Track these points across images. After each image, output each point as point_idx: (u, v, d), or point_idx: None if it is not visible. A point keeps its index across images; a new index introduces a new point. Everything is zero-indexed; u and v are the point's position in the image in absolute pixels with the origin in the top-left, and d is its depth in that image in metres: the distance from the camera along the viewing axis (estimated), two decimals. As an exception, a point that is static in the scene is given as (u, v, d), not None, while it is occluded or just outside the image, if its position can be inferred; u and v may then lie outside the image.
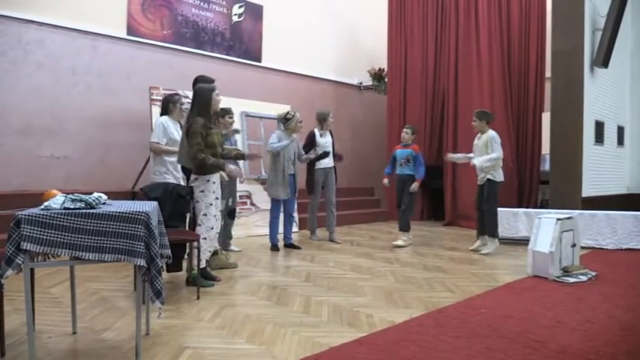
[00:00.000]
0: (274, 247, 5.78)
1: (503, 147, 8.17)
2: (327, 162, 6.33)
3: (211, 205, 3.91)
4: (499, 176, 5.51)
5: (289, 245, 5.93)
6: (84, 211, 2.24)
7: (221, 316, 3.15)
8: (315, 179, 6.31)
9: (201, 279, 3.85)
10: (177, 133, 4.86)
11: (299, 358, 2.46)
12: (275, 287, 3.96)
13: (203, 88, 3.99)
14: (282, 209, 5.91)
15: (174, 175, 4.85)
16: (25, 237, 2.13)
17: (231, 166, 3.95)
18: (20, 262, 2.15)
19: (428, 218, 9.20)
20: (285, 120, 5.77)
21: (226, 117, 5.28)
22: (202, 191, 3.89)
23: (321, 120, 6.37)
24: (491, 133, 5.53)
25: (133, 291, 3.71)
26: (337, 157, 6.53)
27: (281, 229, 6.02)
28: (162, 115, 5.02)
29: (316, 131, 6.38)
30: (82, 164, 6.42)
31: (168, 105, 4.94)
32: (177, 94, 5.12)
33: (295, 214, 7.43)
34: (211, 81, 4.47)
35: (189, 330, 2.89)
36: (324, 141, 6.33)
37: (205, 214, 3.89)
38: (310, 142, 6.29)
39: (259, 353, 2.54)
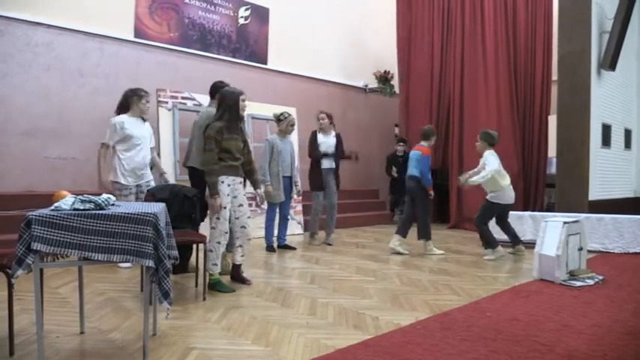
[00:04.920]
0: (270, 248, 5.82)
1: (508, 150, 8.18)
2: (327, 163, 6.34)
3: (225, 208, 3.82)
4: (501, 199, 5.43)
5: (283, 246, 5.98)
6: (93, 212, 2.26)
7: (227, 318, 3.17)
8: (320, 178, 6.30)
9: (222, 283, 3.85)
10: (138, 130, 4.69)
11: (305, 360, 2.47)
12: (281, 289, 3.97)
13: (230, 92, 3.94)
14: (277, 211, 5.92)
15: (131, 178, 4.64)
16: (35, 237, 2.15)
17: (214, 201, 3.75)
18: (30, 262, 2.17)
19: (433, 221, 9.15)
20: (277, 120, 5.79)
21: None
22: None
23: (317, 120, 6.57)
24: (486, 152, 5.54)
25: (139, 292, 3.74)
26: (348, 157, 6.64)
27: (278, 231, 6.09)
28: (121, 110, 4.73)
29: (318, 131, 6.48)
30: (89, 166, 6.44)
31: (131, 98, 4.70)
32: (144, 91, 4.82)
33: (300, 217, 7.47)
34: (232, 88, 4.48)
35: (195, 331, 2.90)
36: (324, 141, 6.36)
37: (218, 218, 3.80)
38: (312, 142, 6.39)
39: (265, 355, 2.55)
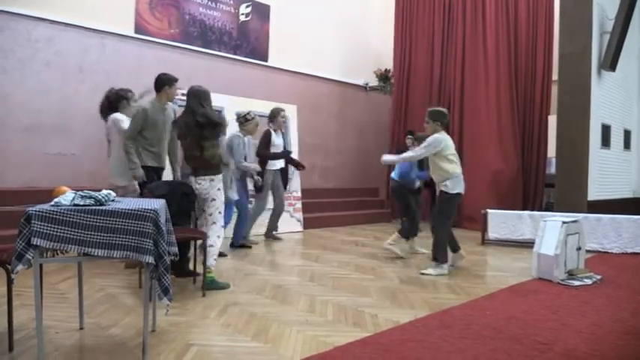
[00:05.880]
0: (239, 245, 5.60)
1: (508, 149, 8.18)
2: (278, 164, 6.13)
3: (223, 203, 3.96)
4: (455, 187, 4.53)
5: (239, 245, 5.71)
6: (93, 207, 2.26)
7: (226, 314, 3.17)
8: (265, 180, 5.94)
9: (217, 281, 3.82)
10: None
11: (304, 357, 2.47)
12: (280, 286, 3.97)
13: (204, 91, 3.93)
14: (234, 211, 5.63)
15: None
16: (35, 233, 2.15)
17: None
18: (30, 258, 2.17)
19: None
20: (244, 119, 5.49)
21: None
22: (219, 190, 3.89)
23: (271, 117, 6.12)
24: (434, 135, 4.57)
25: (138, 288, 3.73)
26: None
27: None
28: (110, 110, 4.63)
29: (272, 131, 6.07)
30: (88, 162, 6.45)
31: (121, 101, 4.63)
32: (130, 91, 4.76)
33: (300, 214, 7.47)
34: (176, 80, 4.39)
35: (194, 327, 2.90)
36: (279, 142, 6.10)
37: (220, 212, 3.90)
38: (267, 142, 5.98)
39: (264, 351, 2.55)
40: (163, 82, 4.33)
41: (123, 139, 4.39)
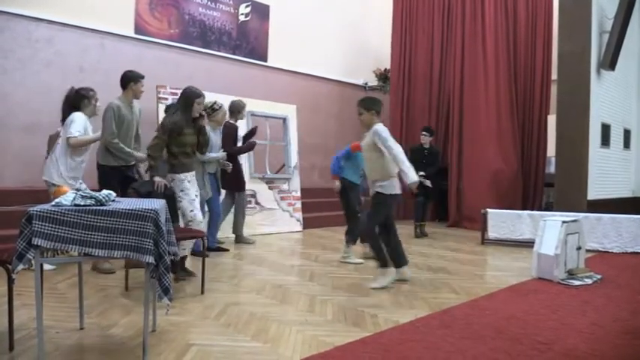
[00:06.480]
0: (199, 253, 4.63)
1: (507, 149, 8.18)
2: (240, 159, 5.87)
3: (194, 200, 4.02)
4: (391, 188, 4.04)
5: (214, 249, 5.25)
6: (94, 207, 2.26)
7: (226, 314, 3.17)
8: (242, 174, 5.78)
9: (182, 271, 4.04)
10: (91, 130, 4.40)
11: (304, 357, 2.47)
12: (279, 286, 3.97)
13: (191, 91, 4.00)
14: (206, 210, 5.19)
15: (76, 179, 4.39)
16: (36, 233, 2.15)
17: (157, 178, 3.93)
18: (31, 258, 2.17)
19: (431, 219, 9.17)
20: (211, 110, 5.15)
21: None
22: (182, 190, 3.98)
23: (236, 112, 5.67)
24: (376, 127, 4.05)
25: (135, 288, 3.73)
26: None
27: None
28: (71, 109, 4.32)
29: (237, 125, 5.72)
30: (88, 162, 6.43)
31: (82, 100, 4.32)
32: (92, 90, 4.43)
33: (299, 214, 7.46)
34: (141, 76, 4.40)
35: (194, 327, 2.91)
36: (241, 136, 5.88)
37: (192, 210, 3.98)
38: (234, 137, 5.61)
39: (264, 351, 2.55)
40: (129, 79, 4.34)
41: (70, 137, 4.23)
